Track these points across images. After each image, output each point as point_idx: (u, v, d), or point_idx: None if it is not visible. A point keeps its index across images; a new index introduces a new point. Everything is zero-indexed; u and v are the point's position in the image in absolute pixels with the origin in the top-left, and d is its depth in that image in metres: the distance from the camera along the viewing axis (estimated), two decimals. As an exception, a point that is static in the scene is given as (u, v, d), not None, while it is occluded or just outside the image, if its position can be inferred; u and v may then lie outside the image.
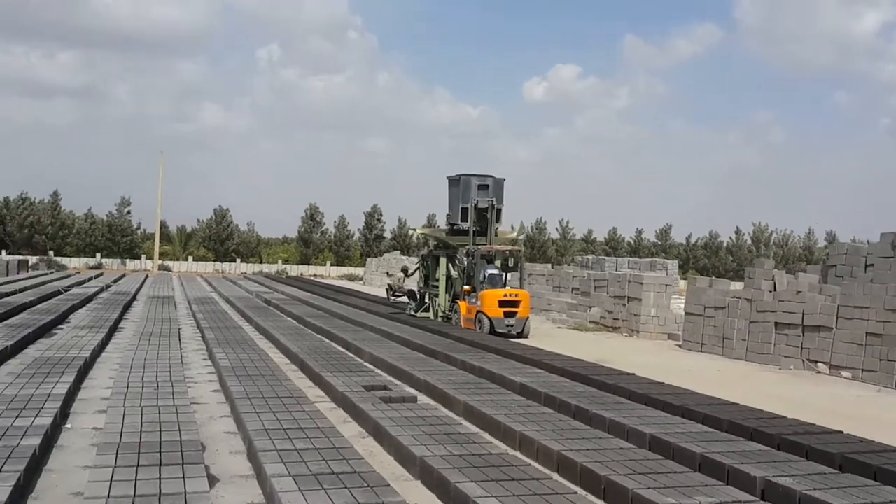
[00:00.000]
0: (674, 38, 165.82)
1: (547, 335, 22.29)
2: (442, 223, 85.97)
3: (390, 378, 13.31)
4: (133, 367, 12.82)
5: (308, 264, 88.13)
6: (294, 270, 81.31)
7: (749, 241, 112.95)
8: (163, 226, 78.31)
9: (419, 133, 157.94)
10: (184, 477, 6.81)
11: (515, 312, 21.06)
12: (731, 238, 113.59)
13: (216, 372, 13.58)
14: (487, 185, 22.69)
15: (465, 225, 22.51)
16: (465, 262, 22.36)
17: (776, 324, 17.79)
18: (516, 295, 21.27)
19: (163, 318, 21.73)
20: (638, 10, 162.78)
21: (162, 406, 9.72)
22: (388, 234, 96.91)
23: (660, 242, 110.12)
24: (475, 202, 22.45)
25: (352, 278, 66.55)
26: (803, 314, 17.05)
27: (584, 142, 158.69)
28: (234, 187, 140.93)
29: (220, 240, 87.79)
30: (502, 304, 20.98)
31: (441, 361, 15.08)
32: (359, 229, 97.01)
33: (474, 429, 9.70)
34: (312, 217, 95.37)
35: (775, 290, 18.34)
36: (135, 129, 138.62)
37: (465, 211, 22.58)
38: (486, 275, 21.64)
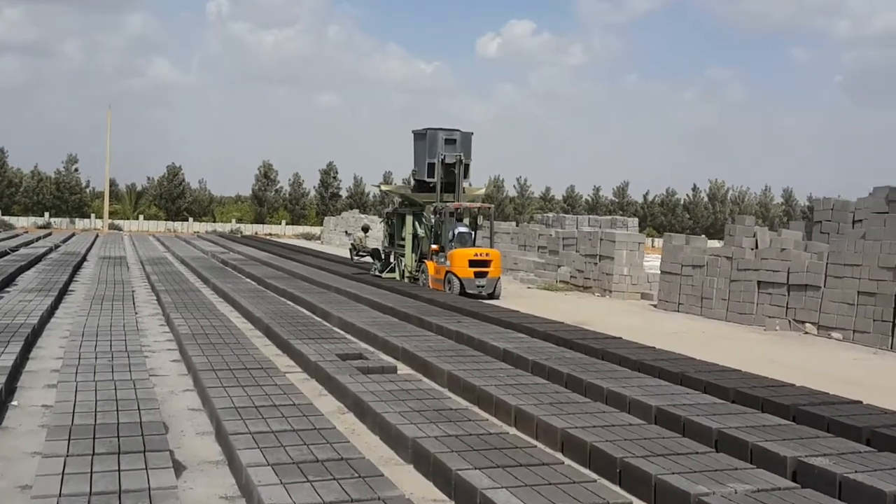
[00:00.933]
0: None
1: (518, 295, 21.60)
2: (398, 180, 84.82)
3: (364, 345, 12.47)
4: (85, 334, 11.82)
5: (263, 223, 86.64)
6: (248, 229, 79.80)
7: (706, 199, 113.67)
8: (112, 184, 76.24)
9: (371, 89, 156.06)
10: (146, 468, 5.92)
11: (486, 272, 20.30)
12: (687, 195, 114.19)
13: (175, 339, 12.64)
14: (455, 140, 21.78)
15: (432, 181, 21.61)
16: (433, 220, 21.51)
17: (759, 283, 17.25)
18: (487, 254, 20.49)
19: (115, 279, 20.62)
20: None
21: (118, 380, 8.78)
22: (344, 193, 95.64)
23: (617, 200, 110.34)
24: (442, 157, 21.54)
25: (308, 237, 65.35)
26: (788, 272, 16.51)
27: (539, 99, 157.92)
28: (185, 144, 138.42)
29: (172, 198, 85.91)
30: (473, 263, 20.19)
31: (415, 326, 14.27)
32: (314, 187, 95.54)
33: (464, 402, 8.93)
34: (266, 175, 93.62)
35: (757, 247, 17.77)
36: (83, 84, 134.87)
37: (431, 166, 21.67)
38: (455, 233, 20.82)
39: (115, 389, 8.33)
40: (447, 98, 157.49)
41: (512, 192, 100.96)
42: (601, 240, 23.41)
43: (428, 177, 21.67)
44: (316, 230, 74.66)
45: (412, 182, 22.70)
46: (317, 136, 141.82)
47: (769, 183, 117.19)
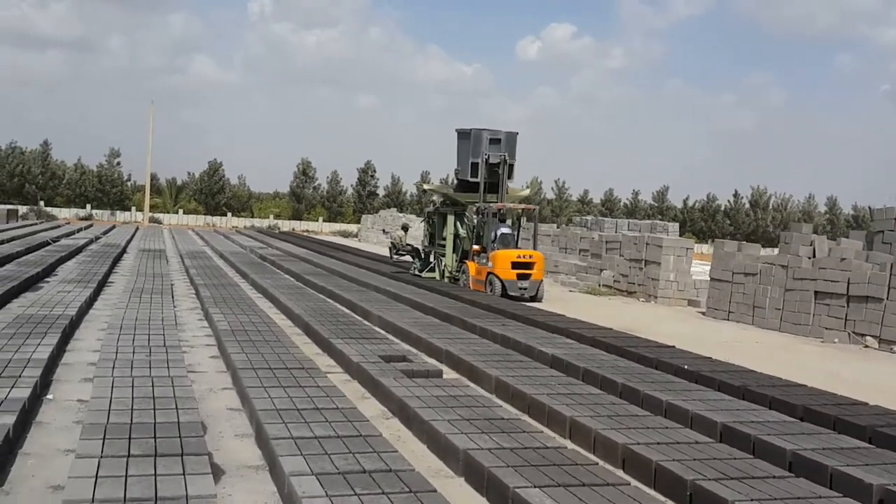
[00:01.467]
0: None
1: (560, 299, 21.08)
2: (436, 180, 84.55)
3: (406, 346, 12.05)
4: (123, 327, 11.54)
5: (300, 220, 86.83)
6: (286, 225, 79.95)
7: (747, 205, 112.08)
8: (153, 178, 76.73)
9: (411, 90, 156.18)
10: (184, 473, 5.55)
11: (529, 275, 19.81)
12: (728, 202, 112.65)
13: (214, 335, 12.31)
14: (499, 140, 21.31)
15: (475, 180, 21.16)
16: (475, 220, 21.06)
17: (816, 293, 16.59)
18: (530, 256, 19.99)
19: (154, 272, 20.43)
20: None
21: (156, 377, 8.44)
22: (381, 191, 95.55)
23: (656, 204, 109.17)
24: (486, 157, 21.08)
25: (346, 235, 65.22)
26: (849, 283, 15.85)
27: (579, 102, 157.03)
28: (225, 141, 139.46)
29: (212, 193, 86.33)
30: (515, 265, 19.71)
31: (458, 328, 13.84)
32: (352, 185, 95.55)
33: (514, 411, 8.48)
34: (305, 172, 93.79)
35: (814, 256, 17.11)
36: (126, 81, 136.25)
37: (475, 166, 21.21)
38: (498, 234, 20.35)
39: (153, 386, 8.00)
40: (486, 100, 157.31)
41: (549, 195, 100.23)
42: (647, 244, 22.83)
43: (471, 176, 21.22)
44: (353, 228, 74.58)
45: (454, 181, 22.24)
46: (356, 136, 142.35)
47: (811, 190, 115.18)
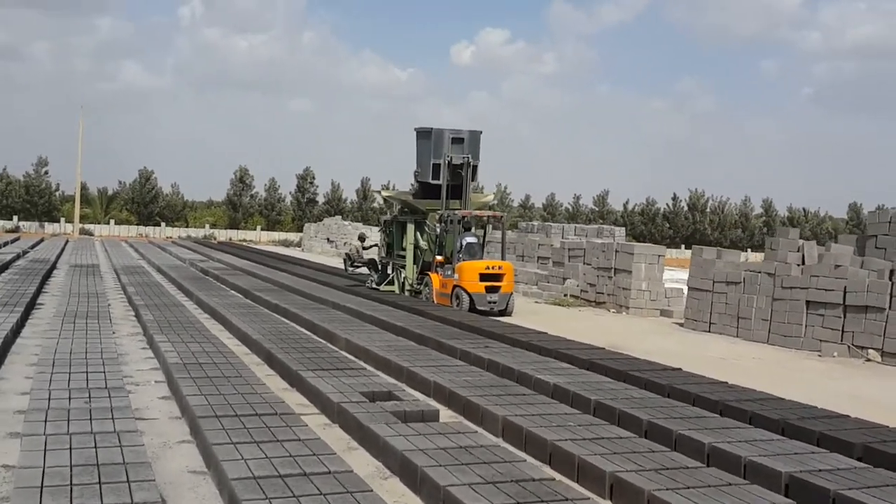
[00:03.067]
0: (601, 3, 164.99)
1: (529, 312, 19.84)
2: (376, 185, 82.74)
3: (386, 377, 10.62)
4: (56, 363, 9.92)
5: (237, 228, 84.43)
6: (222, 235, 77.52)
7: (686, 208, 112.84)
8: (83, 187, 73.55)
9: (346, 95, 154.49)
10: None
11: (499, 287, 18.52)
12: (667, 205, 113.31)
13: (162, 369, 10.73)
14: (462, 139, 20.04)
15: (437, 182, 19.81)
16: (438, 229, 19.71)
17: (808, 302, 15.60)
18: (499, 267, 18.72)
19: (88, 291, 18.63)
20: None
21: (98, 433, 6.91)
22: (321, 199, 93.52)
23: (597, 209, 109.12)
24: (449, 158, 19.76)
25: (286, 244, 63.29)
26: (845, 292, 14.87)
27: (512, 107, 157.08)
28: (157, 148, 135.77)
29: (145, 202, 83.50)
30: (484, 277, 18.41)
31: (437, 351, 12.46)
32: (290, 193, 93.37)
33: (535, 462, 7.14)
34: (242, 179, 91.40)
35: (803, 263, 16.15)
36: (53, 88, 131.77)
37: (436, 167, 19.88)
38: (464, 243, 19.04)
39: (96, 447, 6.49)
40: (421, 104, 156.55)
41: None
42: (617, 251, 21.73)
43: (432, 178, 19.88)
44: (293, 236, 72.61)
45: (414, 185, 20.88)
46: (291, 141, 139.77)
47: (743, 193, 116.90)
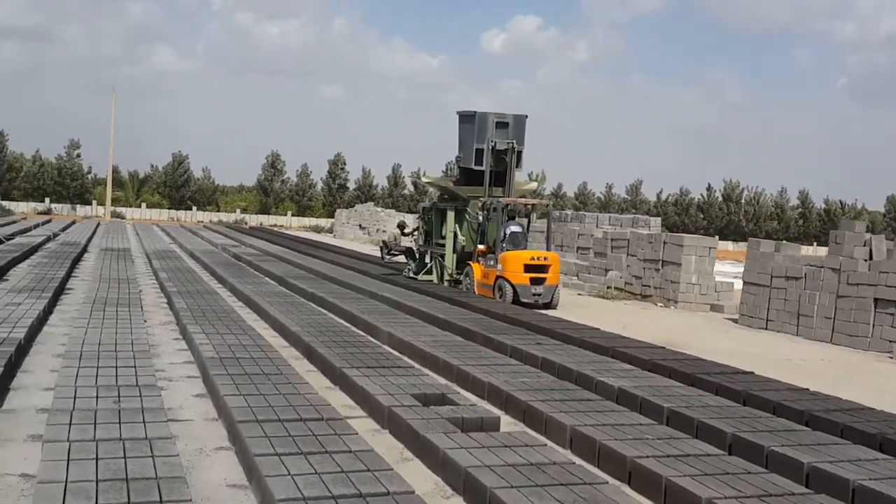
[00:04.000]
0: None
1: (573, 304, 19.01)
2: (406, 173, 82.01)
3: (436, 377, 9.87)
4: (83, 356, 9.27)
5: (268, 213, 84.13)
6: (253, 220, 77.27)
7: (720, 199, 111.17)
8: (115, 171, 73.50)
9: (376, 82, 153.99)
10: None
11: (544, 279, 17.71)
12: (702, 195, 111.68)
13: (197, 363, 10.05)
14: (507, 123, 19.20)
15: (480, 168, 19.00)
16: (481, 217, 18.91)
17: (876, 300, 14.67)
18: (545, 258, 17.89)
19: (119, 276, 18.06)
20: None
21: (127, 439, 6.23)
22: (351, 185, 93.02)
23: (630, 198, 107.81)
24: (493, 143, 18.94)
25: (318, 230, 62.86)
26: (918, 290, 13.95)
27: (545, 94, 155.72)
28: (188, 132, 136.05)
29: (176, 186, 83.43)
30: (529, 268, 17.61)
31: (486, 348, 11.69)
32: (321, 178, 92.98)
33: (615, 482, 6.36)
34: (273, 165, 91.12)
35: (871, 258, 15.20)
36: (85, 70, 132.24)
37: (480, 153, 19.06)
38: (508, 233, 18.24)
39: (125, 457, 5.79)
40: (451, 92, 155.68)
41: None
42: (665, 243, 20.83)
43: (475, 165, 19.07)
44: (324, 222, 72.15)
45: (455, 171, 20.08)
46: (321, 127, 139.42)
47: (775, 185, 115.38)
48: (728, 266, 33.58)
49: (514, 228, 18.33)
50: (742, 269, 18.44)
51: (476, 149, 18.98)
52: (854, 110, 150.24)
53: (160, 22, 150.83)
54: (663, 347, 12.07)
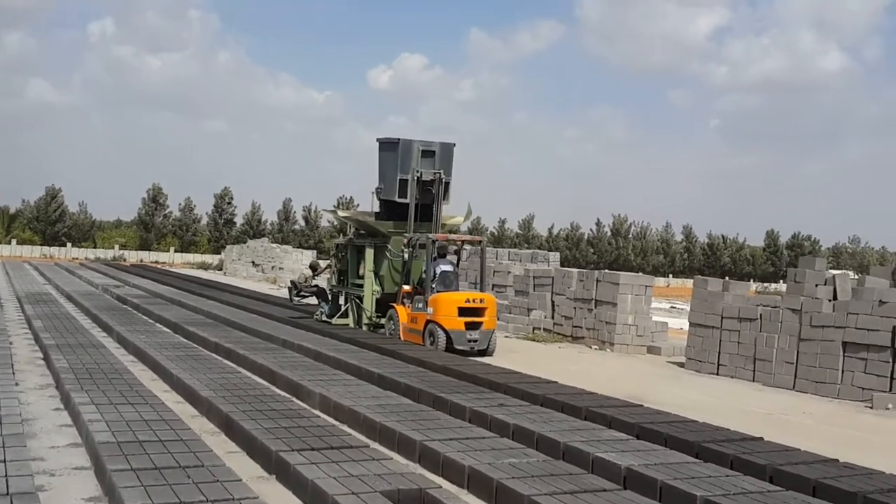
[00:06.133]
0: (518, 32, 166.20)
1: (506, 349, 17.31)
2: (298, 208, 79.51)
3: (390, 454, 7.96)
4: (-69, 443, 6.98)
5: (149, 250, 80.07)
6: (133, 256, 73.28)
7: (609, 233, 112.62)
8: (-18, 205, 68.45)
9: (262, 116, 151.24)
10: None
11: (480, 323, 15.98)
12: (591, 230, 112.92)
13: (87, 449, 7.84)
14: (433, 152, 17.54)
15: (404, 201, 17.25)
16: (406, 255, 17.10)
17: (845, 343, 13.51)
18: (481, 300, 16.18)
19: (-16, 327, 15.42)
20: (483, 3, 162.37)
21: None
22: (239, 220, 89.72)
23: (522, 232, 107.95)
24: (418, 174, 17.21)
25: (205, 267, 59.59)
26: (894, 332, 12.82)
27: (431, 132, 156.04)
28: (64, 167, 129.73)
29: (50, 222, 78.57)
30: (463, 312, 15.85)
31: (440, 411, 9.84)
32: (206, 213, 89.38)
33: None
34: (155, 199, 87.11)
35: (835, 298, 14.09)
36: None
37: (403, 184, 17.31)
38: (437, 272, 16.47)
39: None
40: (339, 127, 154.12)
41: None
42: (598, 281, 19.43)
43: (399, 197, 17.29)
44: (210, 258, 68.89)
45: (377, 204, 18.22)
46: (206, 162, 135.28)
47: (654, 219, 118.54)
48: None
49: (445, 267, 16.57)
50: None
51: (399, 179, 17.21)
52: (724, 149, 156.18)
53: (35, 55, 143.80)
54: (642, 405, 10.47)
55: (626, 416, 9.55)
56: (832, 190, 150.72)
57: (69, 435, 8.50)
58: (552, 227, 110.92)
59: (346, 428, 8.97)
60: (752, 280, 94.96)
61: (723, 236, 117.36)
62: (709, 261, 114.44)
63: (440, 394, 10.55)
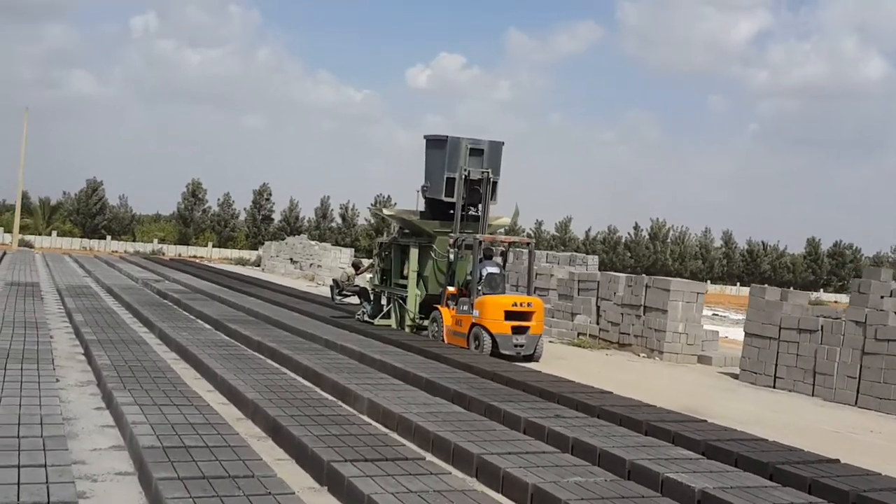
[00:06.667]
0: (556, 33, 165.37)
1: (553, 356, 16.80)
2: (336, 206, 79.52)
3: (446, 467, 7.55)
4: (-30, 443, 6.69)
5: (187, 244, 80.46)
6: (171, 250, 73.66)
7: (647, 238, 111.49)
8: (25, 197, 69.04)
9: (299, 113, 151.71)
10: None
11: (527, 328, 15.52)
12: (629, 234, 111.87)
13: (130, 453, 7.51)
14: (482, 150, 17.07)
15: (450, 200, 16.84)
16: (452, 256, 16.68)
17: (915, 359, 12.91)
18: (529, 304, 15.72)
19: (26, 319, 15.20)
20: (522, 4, 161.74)
21: None
22: (276, 216, 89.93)
23: (559, 235, 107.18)
24: (466, 172, 16.79)
25: (243, 263, 59.63)
26: (969, 350, 12.20)
27: (468, 131, 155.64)
28: (104, 160, 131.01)
29: (90, 214, 79.21)
30: (510, 315, 15.40)
31: (494, 421, 9.42)
32: (245, 209, 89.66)
33: None
34: (194, 193, 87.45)
35: (904, 311, 13.47)
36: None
37: (450, 182, 16.88)
38: (484, 274, 16.03)
39: None
40: (376, 126, 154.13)
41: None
42: (648, 287, 18.89)
43: (445, 196, 16.88)
44: (248, 254, 68.97)
45: (421, 202, 17.82)
46: (244, 157, 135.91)
47: (690, 225, 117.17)
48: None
49: (492, 269, 16.13)
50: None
51: (447, 178, 16.79)
52: (763, 154, 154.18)
53: (78, 47, 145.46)
54: (704, 420, 9.96)
55: (690, 433, 9.06)
56: (874, 198, 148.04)
57: (111, 436, 8.19)
58: (589, 229, 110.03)
59: (397, 436, 8.57)
60: (790, 288, 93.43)
61: (763, 243, 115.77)
62: (748, 267, 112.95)
63: (492, 402, 10.13)
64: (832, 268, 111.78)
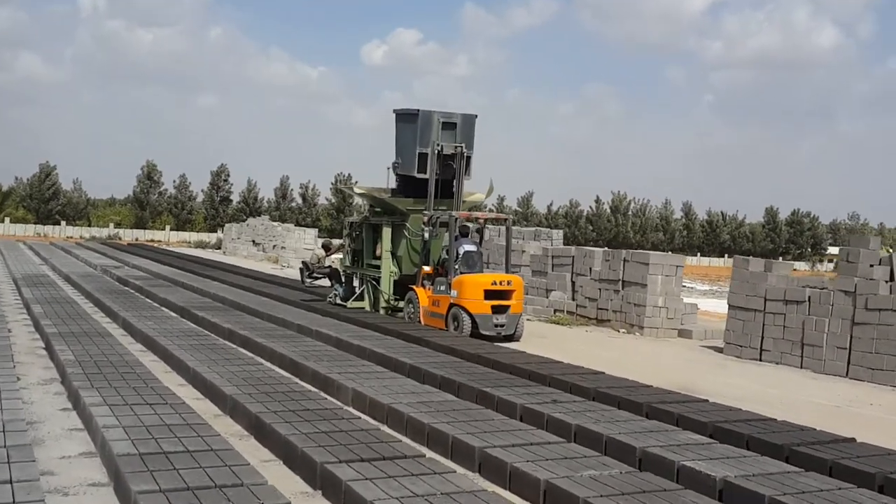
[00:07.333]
0: (513, 7, 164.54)
1: (532, 333, 16.38)
2: (296, 186, 78.74)
3: (448, 464, 7.04)
4: (-76, 457, 6.03)
5: (144, 228, 79.05)
6: (128, 235, 72.23)
7: (608, 211, 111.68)
8: (-27, 182, 67.11)
9: (255, 92, 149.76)
10: None
11: (507, 307, 15.05)
12: (590, 207, 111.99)
13: (102, 459, 6.89)
14: (454, 124, 16.51)
15: (423, 176, 16.28)
16: (426, 234, 16.13)
17: (908, 329, 12.64)
18: (508, 282, 15.23)
19: (-21, 313, 14.43)
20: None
21: None
22: (235, 197, 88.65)
23: (521, 210, 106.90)
24: (439, 147, 16.21)
25: (202, 245, 58.49)
26: (965, 318, 11.95)
27: (426, 107, 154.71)
28: (56, 144, 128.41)
29: (44, 199, 77.33)
30: (490, 294, 14.91)
31: (486, 408, 8.92)
32: (202, 191, 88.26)
33: None
34: (150, 176, 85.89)
35: (893, 279, 13.19)
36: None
37: (423, 158, 16.31)
38: (461, 252, 15.51)
39: None
40: (333, 104, 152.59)
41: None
42: (626, 261, 18.50)
43: (418, 172, 16.31)
44: (207, 237, 67.85)
45: (392, 179, 17.23)
46: (199, 138, 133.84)
47: (649, 196, 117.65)
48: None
49: (469, 247, 15.61)
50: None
51: (419, 153, 16.21)
52: (719, 124, 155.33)
53: (25, 28, 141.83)
54: (706, 400, 9.56)
55: (694, 414, 8.64)
56: (828, 166, 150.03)
57: (81, 441, 7.54)
58: (551, 204, 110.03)
59: (389, 430, 8.04)
60: (750, 256, 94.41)
61: (722, 213, 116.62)
62: (708, 238, 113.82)
63: (484, 388, 9.63)
64: (790, 236, 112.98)
